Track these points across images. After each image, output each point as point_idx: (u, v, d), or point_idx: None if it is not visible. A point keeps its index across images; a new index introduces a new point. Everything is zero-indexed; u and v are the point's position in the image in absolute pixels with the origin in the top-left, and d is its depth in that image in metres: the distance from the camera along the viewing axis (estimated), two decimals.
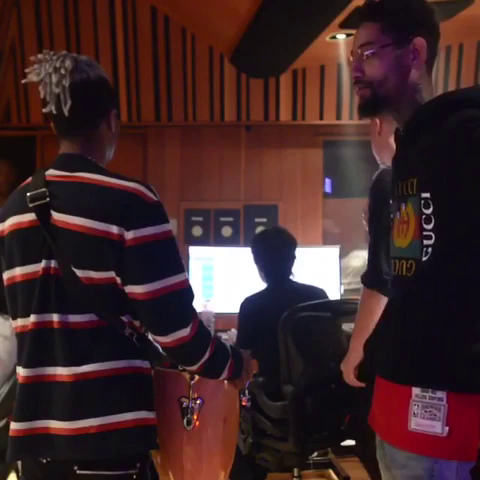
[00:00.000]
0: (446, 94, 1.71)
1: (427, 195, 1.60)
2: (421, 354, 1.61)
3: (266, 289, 3.55)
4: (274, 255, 3.55)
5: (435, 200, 1.59)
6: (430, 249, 1.61)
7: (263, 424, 3.24)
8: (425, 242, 1.61)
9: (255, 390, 3.21)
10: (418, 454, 1.60)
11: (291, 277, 3.57)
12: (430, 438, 1.58)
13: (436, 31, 1.75)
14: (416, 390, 1.60)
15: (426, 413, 1.58)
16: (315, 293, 3.51)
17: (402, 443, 1.64)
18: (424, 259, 1.62)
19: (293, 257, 3.57)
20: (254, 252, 3.60)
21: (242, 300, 3.51)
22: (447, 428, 1.56)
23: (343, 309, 3.43)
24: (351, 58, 1.77)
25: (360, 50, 1.72)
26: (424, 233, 1.61)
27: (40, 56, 1.74)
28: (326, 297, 3.56)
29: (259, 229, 5.48)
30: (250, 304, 3.48)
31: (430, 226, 1.60)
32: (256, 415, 3.25)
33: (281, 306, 3.26)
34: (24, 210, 1.72)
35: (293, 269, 3.59)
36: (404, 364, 1.65)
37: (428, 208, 1.60)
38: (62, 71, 1.70)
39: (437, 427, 1.57)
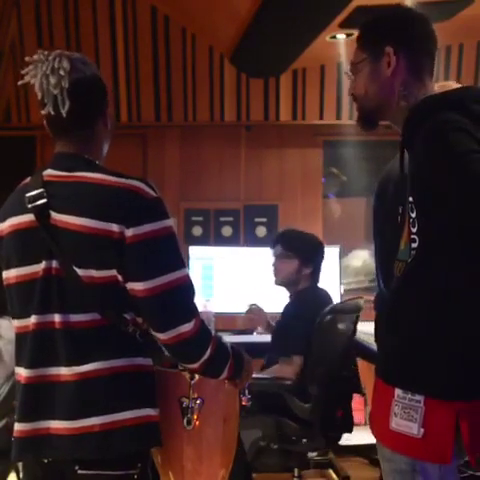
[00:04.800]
0: (429, 96, 1.72)
1: (411, 199, 1.63)
2: (403, 356, 1.64)
3: (312, 288, 3.61)
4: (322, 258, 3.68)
5: (416, 203, 1.62)
6: (414, 252, 1.63)
7: (289, 428, 3.23)
8: (412, 245, 1.64)
9: (284, 394, 3.20)
10: (398, 453, 1.65)
11: None
12: (407, 438, 1.61)
13: (415, 36, 1.78)
14: (398, 391, 1.63)
15: (405, 414, 1.62)
16: (329, 295, 3.62)
17: (385, 440, 1.69)
18: (409, 261, 1.64)
19: None
20: (314, 250, 3.67)
21: (291, 304, 3.56)
22: (422, 430, 1.59)
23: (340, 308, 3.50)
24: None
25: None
26: (411, 236, 1.64)
27: (35, 57, 1.72)
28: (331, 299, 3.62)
29: (259, 229, 5.49)
30: (316, 301, 3.50)
31: (415, 229, 1.63)
32: (282, 420, 3.23)
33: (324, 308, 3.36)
34: (23, 211, 1.72)
35: None
36: (390, 364, 1.69)
37: (413, 212, 1.63)
38: (61, 72, 1.69)
39: (414, 428, 1.60)
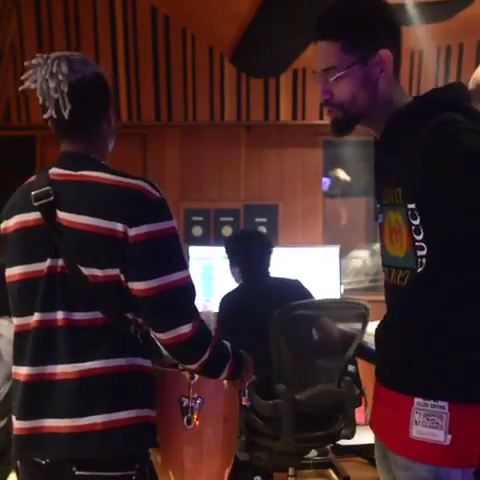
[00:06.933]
0: (423, 96, 1.66)
1: (413, 206, 1.57)
2: (421, 365, 1.60)
3: (244, 285, 3.57)
4: (251, 257, 3.59)
5: (420, 210, 1.56)
6: (424, 260, 1.58)
7: (255, 423, 3.24)
8: (419, 253, 1.59)
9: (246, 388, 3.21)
10: (420, 462, 1.59)
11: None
12: (432, 446, 1.56)
13: (398, 34, 1.66)
14: (418, 399, 1.58)
15: (428, 421, 1.56)
16: (290, 285, 3.53)
17: (404, 451, 1.62)
18: (419, 270, 1.59)
19: (269, 257, 3.60)
20: (230, 253, 3.64)
21: (221, 298, 3.53)
22: (450, 436, 1.54)
23: (333, 307, 3.45)
24: (315, 76, 1.70)
25: (325, 74, 1.65)
26: (416, 244, 1.59)
27: (34, 61, 1.72)
28: (301, 287, 3.54)
29: (259, 229, 5.49)
30: (232, 300, 3.51)
31: (420, 237, 1.58)
32: (249, 414, 3.24)
33: (261, 302, 3.33)
34: (29, 209, 1.72)
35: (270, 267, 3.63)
36: (405, 375, 1.64)
37: (415, 219, 1.57)
38: (60, 77, 1.68)
39: (439, 435, 1.55)
